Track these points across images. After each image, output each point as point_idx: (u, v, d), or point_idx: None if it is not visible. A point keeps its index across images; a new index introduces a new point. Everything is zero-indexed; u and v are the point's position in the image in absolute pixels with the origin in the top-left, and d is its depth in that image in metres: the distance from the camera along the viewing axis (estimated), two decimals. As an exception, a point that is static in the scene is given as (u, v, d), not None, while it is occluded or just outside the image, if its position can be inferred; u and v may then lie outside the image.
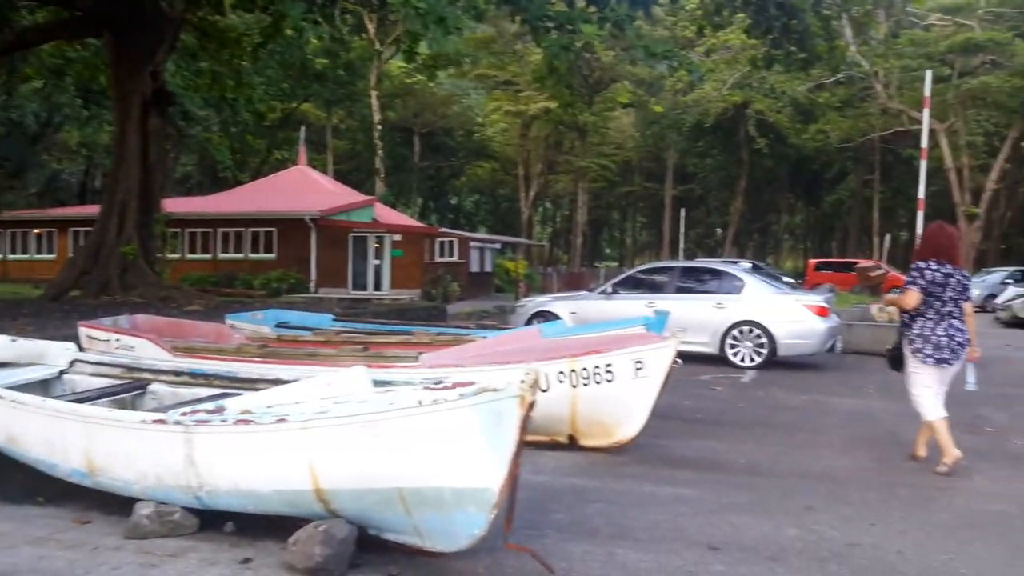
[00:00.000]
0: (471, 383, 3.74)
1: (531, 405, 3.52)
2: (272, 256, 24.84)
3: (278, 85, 33.22)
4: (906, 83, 37.20)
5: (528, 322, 12.22)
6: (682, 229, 44.00)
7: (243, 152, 40.58)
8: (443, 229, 33.47)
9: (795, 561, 4.05)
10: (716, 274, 12.81)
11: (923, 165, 13.55)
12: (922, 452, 6.23)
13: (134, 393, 5.28)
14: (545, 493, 5.11)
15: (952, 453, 5.82)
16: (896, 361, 6.31)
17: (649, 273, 13.69)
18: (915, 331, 5.98)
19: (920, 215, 13.61)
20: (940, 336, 5.87)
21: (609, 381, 6.01)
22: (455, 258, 29.33)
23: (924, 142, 13.60)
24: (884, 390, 9.93)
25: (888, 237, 34.87)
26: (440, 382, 3.94)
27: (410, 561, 3.79)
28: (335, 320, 10.06)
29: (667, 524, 4.59)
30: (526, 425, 3.55)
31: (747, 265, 13.18)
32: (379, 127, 36.85)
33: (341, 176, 39.80)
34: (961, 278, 5.94)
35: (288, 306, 13.30)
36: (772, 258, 68.20)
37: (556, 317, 11.70)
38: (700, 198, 59.25)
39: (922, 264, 5.94)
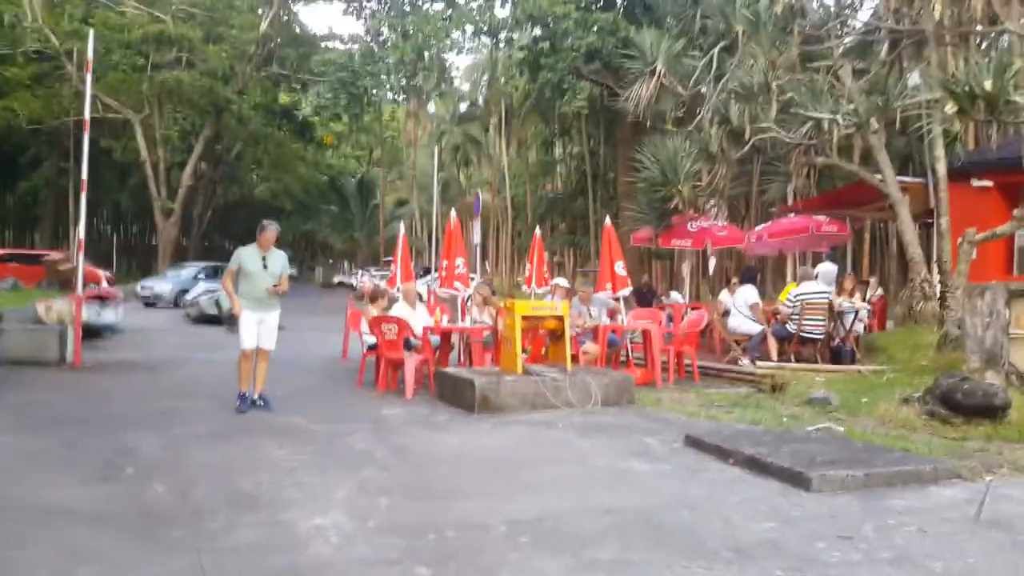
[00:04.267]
0: None
1: None
2: None
3: None
4: (100, 68, 34.90)
5: None
6: None
7: None
8: None
9: None
10: None
11: (86, 139, 11.59)
12: None
13: None
14: None
15: None
16: None
17: None
18: None
19: (83, 196, 11.57)
20: None
21: None
22: None
23: (87, 113, 11.64)
24: (17, 416, 7.62)
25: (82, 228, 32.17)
26: None
27: None
28: None
29: None
30: None
31: None
32: None
33: None
34: None
35: None
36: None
37: None
38: None
39: None
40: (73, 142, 41.51)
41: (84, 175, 11.46)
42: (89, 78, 11.77)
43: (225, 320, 19.64)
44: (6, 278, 30.69)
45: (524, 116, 46.39)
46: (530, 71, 28.48)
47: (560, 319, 8.72)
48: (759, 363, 10.56)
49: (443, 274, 10.35)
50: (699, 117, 12.41)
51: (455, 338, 10.90)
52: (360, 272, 50.47)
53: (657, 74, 12.47)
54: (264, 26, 37.47)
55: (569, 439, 6.95)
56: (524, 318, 8.55)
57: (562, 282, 11.38)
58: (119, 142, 45.02)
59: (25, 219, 63.69)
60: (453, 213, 10.51)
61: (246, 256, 8.12)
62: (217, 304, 19.93)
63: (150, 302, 27.44)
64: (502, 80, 50.73)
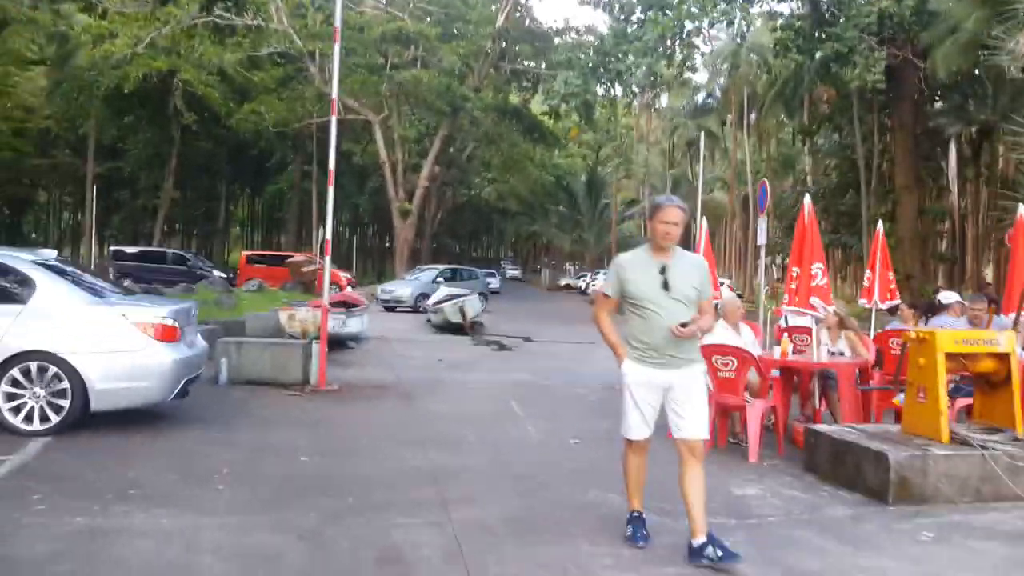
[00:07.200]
0: None
1: None
2: None
3: None
4: (342, 70, 34.89)
5: None
6: (93, 211, 37.53)
7: None
8: None
9: None
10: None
11: (334, 122, 9.81)
12: None
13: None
14: None
15: None
16: None
17: None
18: None
19: (331, 191, 9.90)
20: None
21: None
22: None
23: (335, 91, 9.92)
24: (249, 472, 5.69)
25: (323, 230, 32.13)
26: None
27: None
28: None
29: None
30: None
31: (50, 254, 7.92)
32: None
33: None
34: None
35: None
36: (219, 249, 62.37)
37: None
38: (130, 178, 50.96)
39: None
40: (316, 144, 42.21)
41: (332, 164, 9.73)
42: (337, 47, 9.99)
43: (469, 329, 17.96)
44: (253, 279, 31.12)
45: (768, 106, 41.94)
46: (799, 49, 25.02)
47: (1003, 357, 5.73)
48: None
49: (792, 286, 7.45)
50: None
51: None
52: (590, 274, 48.20)
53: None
54: (500, 20, 36.17)
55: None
56: (948, 356, 5.64)
57: (954, 297, 8.15)
58: (359, 146, 45.55)
59: (272, 222, 67.24)
60: (807, 200, 7.45)
61: (630, 269, 4.34)
62: (461, 311, 18.25)
63: (390, 306, 26.62)
64: (739, 68, 46.85)
